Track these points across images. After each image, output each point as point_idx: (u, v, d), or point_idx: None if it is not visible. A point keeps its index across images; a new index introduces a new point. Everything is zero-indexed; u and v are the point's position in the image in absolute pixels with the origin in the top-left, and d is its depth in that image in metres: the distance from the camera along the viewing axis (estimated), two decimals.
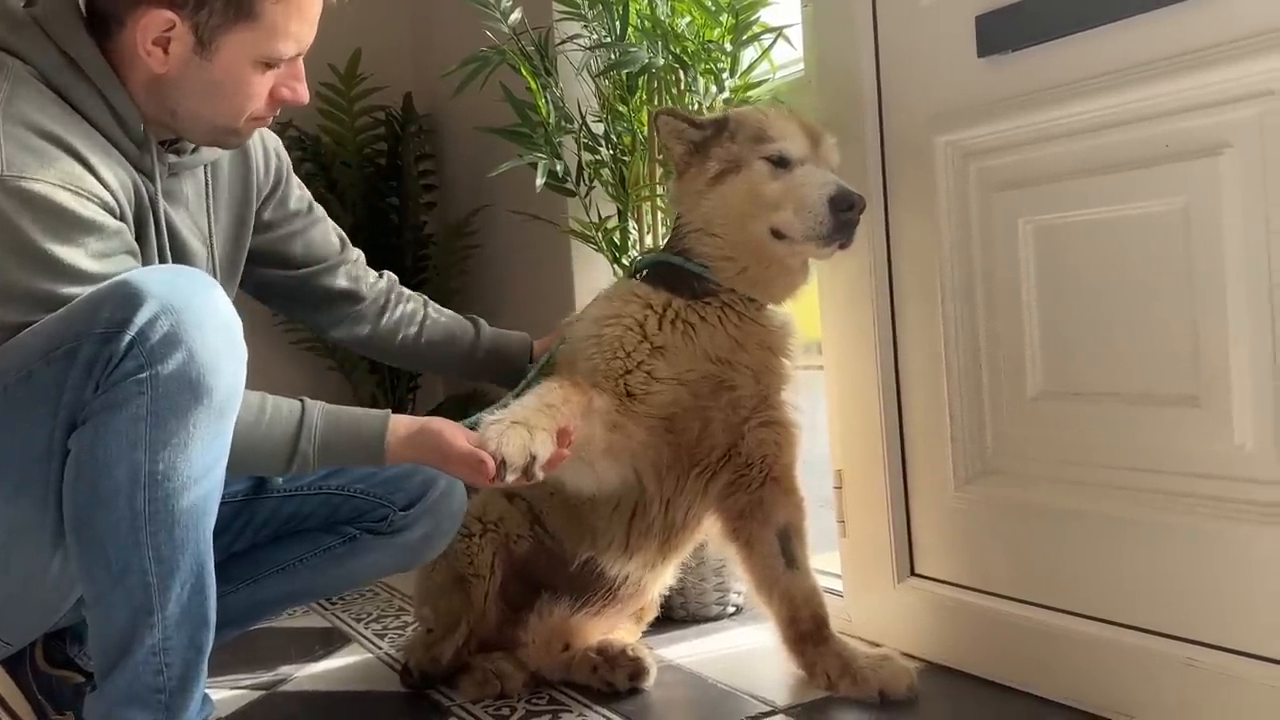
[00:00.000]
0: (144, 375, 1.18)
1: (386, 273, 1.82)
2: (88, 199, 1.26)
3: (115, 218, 1.30)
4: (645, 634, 1.98)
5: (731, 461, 1.69)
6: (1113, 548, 1.48)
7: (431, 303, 1.86)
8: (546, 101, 2.16)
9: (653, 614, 1.96)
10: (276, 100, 1.41)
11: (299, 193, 1.69)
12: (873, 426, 1.83)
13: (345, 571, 1.65)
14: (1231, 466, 1.33)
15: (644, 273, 1.73)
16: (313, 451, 1.38)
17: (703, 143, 1.63)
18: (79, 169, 1.27)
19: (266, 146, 1.61)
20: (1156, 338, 1.40)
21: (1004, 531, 1.64)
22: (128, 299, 1.18)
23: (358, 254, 1.78)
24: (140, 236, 1.37)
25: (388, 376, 3.02)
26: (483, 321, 1.88)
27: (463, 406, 2.84)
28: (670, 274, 1.67)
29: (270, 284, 1.70)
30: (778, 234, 1.59)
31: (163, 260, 1.42)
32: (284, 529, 1.62)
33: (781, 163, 1.58)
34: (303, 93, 1.42)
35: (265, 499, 1.59)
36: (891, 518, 1.81)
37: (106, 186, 1.30)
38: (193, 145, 1.46)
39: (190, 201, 1.48)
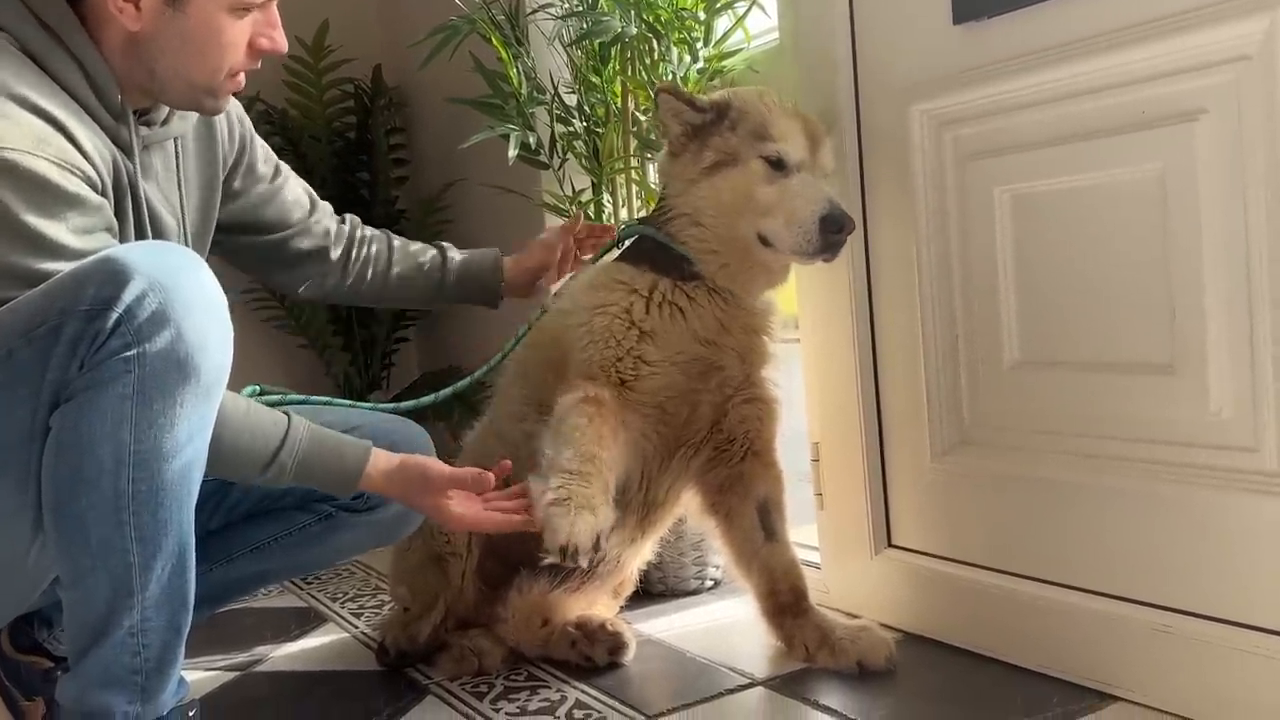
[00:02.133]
0: (131, 353, 1.15)
1: (349, 217, 1.81)
2: (71, 172, 1.23)
3: (97, 192, 1.28)
4: (624, 608, 1.98)
5: (714, 438, 1.69)
6: (1088, 516, 1.49)
7: (395, 236, 1.85)
8: (518, 72, 2.13)
9: (630, 589, 1.96)
10: (256, 51, 1.39)
11: (264, 156, 1.67)
12: (850, 399, 1.82)
13: (321, 549, 1.63)
14: (1207, 434, 1.34)
15: (627, 243, 1.71)
16: (291, 463, 1.36)
17: (702, 126, 1.59)
18: (62, 141, 1.24)
19: (229, 113, 1.59)
20: (1133, 305, 1.40)
21: (981, 502, 1.65)
22: (114, 276, 1.15)
23: (325, 207, 1.77)
24: (118, 211, 1.35)
25: (361, 354, 2.99)
26: (450, 247, 1.86)
27: (438, 381, 2.82)
28: (657, 252, 1.64)
29: (243, 249, 1.69)
30: (764, 240, 1.57)
31: (140, 236, 1.39)
32: (258, 507, 1.60)
33: (779, 165, 1.55)
34: (281, 41, 1.40)
35: None
36: (869, 490, 1.81)
37: (89, 160, 1.27)
38: (163, 117, 1.43)
39: (160, 175, 1.46)
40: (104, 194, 1.30)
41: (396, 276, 1.81)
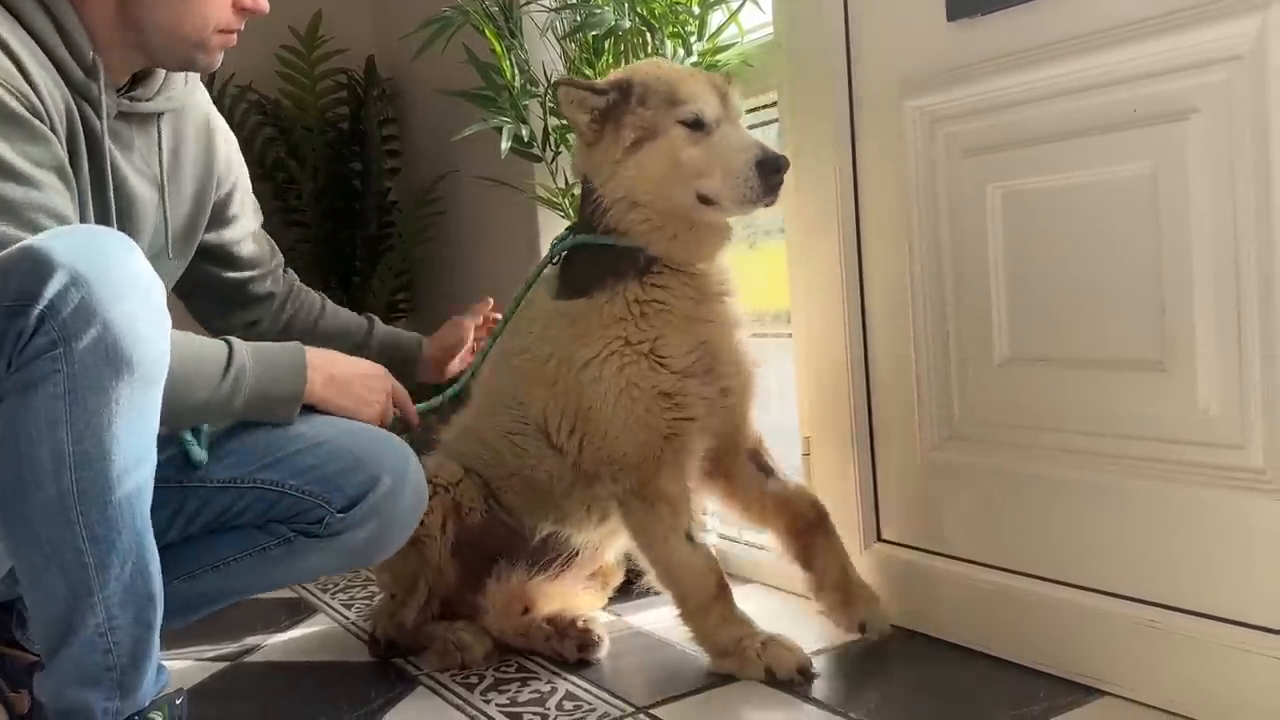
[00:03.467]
0: (58, 351, 1.13)
1: (288, 269, 1.82)
2: (12, 94, 1.23)
3: (43, 123, 1.26)
4: (615, 600, 1.99)
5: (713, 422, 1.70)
6: (1077, 512, 1.49)
7: (329, 300, 1.86)
8: (511, 64, 2.12)
9: (617, 579, 1.96)
10: (239, 10, 1.40)
11: (253, 199, 1.70)
12: (841, 394, 1.83)
13: (285, 572, 1.56)
14: (1195, 431, 1.34)
15: (563, 259, 1.70)
16: (247, 356, 1.39)
17: (609, 109, 1.57)
18: (9, 65, 1.23)
19: (230, 146, 1.63)
20: (1123, 303, 1.41)
21: (970, 497, 1.65)
22: (35, 268, 1.12)
23: (280, 256, 1.79)
24: (74, 162, 1.32)
25: None
26: (377, 320, 1.87)
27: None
28: (610, 260, 1.61)
29: (207, 281, 1.68)
30: (705, 200, 1.57)
31: (101, 194, 1.37)
32: (217, 523, 1.51)
33: (698, 125, 1.55)
34: (263, 1, 1.42)
35: (197, 488, 1.50)
36: (859, 484, 1.82)
37: (36, 91, 1.26)
38: (151, 94, 1.43)
39: (139, 149, 1.45)
40: (54, 132, 1.28)
41: (321, 333, 1.79)
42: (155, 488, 1.25)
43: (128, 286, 1.18)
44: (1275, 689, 1.27)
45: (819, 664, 1.63)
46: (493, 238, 2.75)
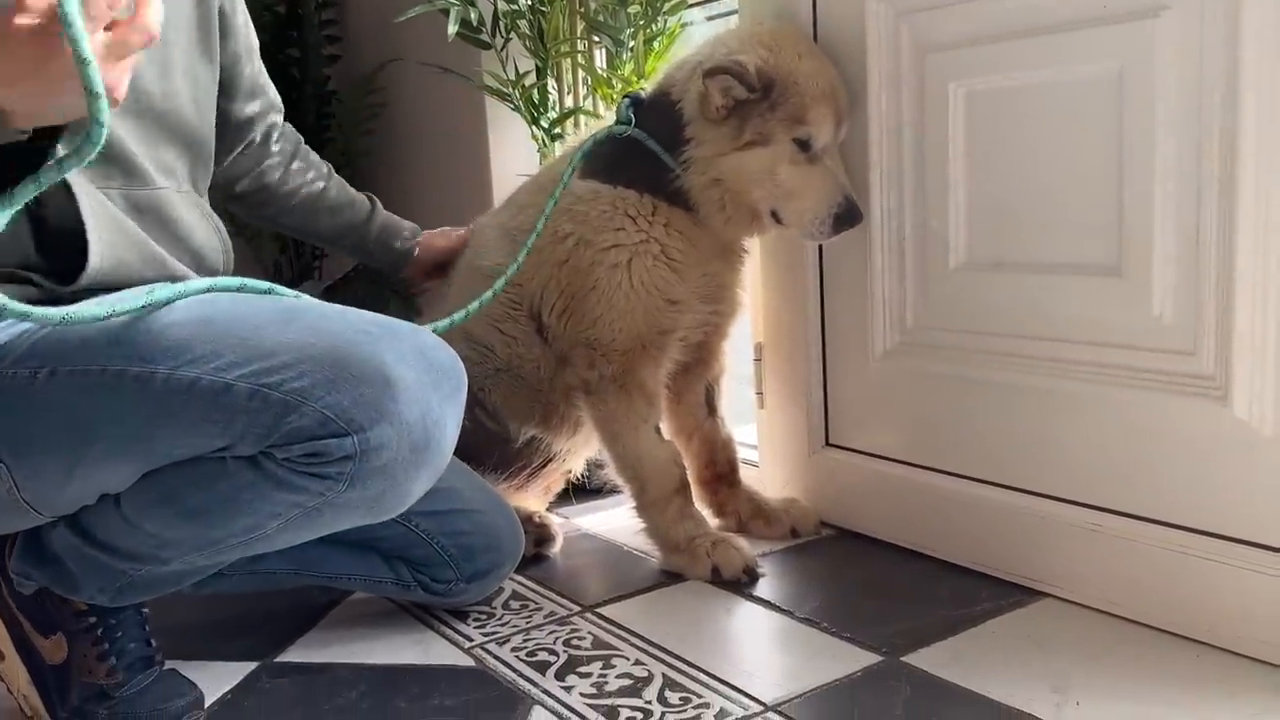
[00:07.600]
0: (332, 485, 1.08)
1: (290, 126, 1.71)
2: None
3: None
4: (564, 503, 1.98)
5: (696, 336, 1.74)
6: (1024, 416, 1.50)
7: (334, 172, 1.78)
8: None
9: (560, 485, 1.95)
10: None
11: (249, 19, 1.53)
12: (795, 299, 1.81)
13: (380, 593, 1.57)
14: (1147, 337, 1.34)
15: (609, 141, 1.66)
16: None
17: (745, 102, 1.55)
18: None
19: None
20: (1082, 207, 1.39)
21: (919, 402, 1.65)
22: (382, 394, 1.04)
23: (280, 102, 1.66)
24: None
25: (291, 244, 2.90)
26: (379, 202, 1.80)
27: (374, 273, 2.74)
28: (669, 180, 1.61)
29: None
30: (776, 218, 1.60)
31: None
32: (354, 534, 1.42)
33: (805, 147, 1.55)
34: None
35: None
36: (809, 390, 1.81)
37: None
38: None
39: None
40: None
41: (329, 202, 1.72)
42: None
43: (436, 460, 1.12)
44: (1215, 591, 1.29)
45: (765, 565, 1.64)
46: (439, 130, 2.66)
